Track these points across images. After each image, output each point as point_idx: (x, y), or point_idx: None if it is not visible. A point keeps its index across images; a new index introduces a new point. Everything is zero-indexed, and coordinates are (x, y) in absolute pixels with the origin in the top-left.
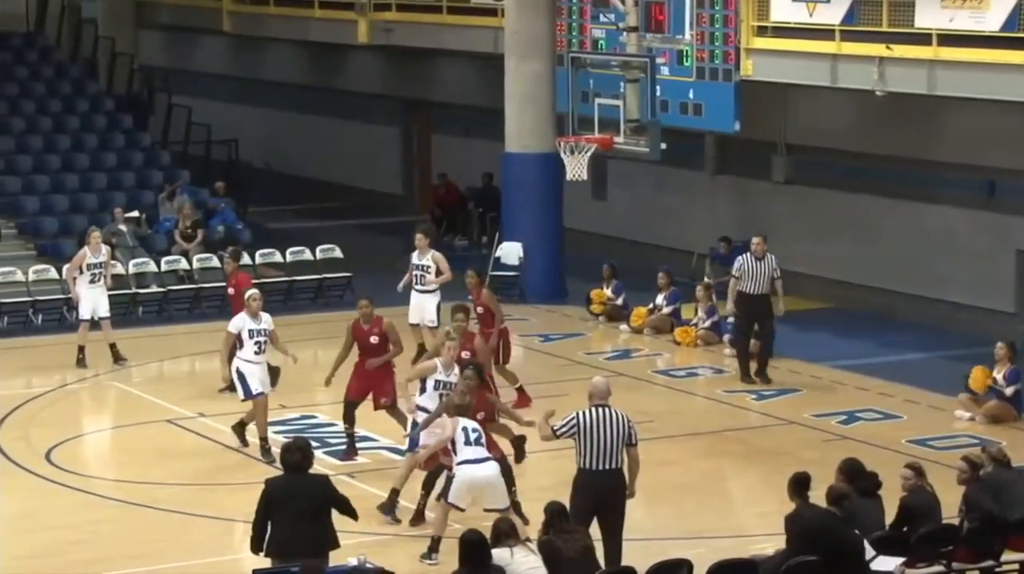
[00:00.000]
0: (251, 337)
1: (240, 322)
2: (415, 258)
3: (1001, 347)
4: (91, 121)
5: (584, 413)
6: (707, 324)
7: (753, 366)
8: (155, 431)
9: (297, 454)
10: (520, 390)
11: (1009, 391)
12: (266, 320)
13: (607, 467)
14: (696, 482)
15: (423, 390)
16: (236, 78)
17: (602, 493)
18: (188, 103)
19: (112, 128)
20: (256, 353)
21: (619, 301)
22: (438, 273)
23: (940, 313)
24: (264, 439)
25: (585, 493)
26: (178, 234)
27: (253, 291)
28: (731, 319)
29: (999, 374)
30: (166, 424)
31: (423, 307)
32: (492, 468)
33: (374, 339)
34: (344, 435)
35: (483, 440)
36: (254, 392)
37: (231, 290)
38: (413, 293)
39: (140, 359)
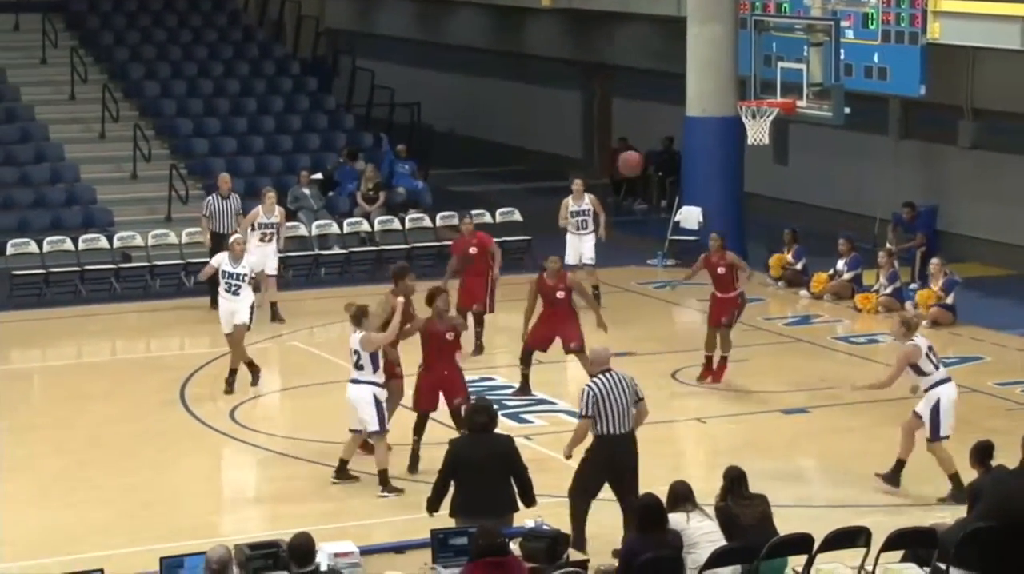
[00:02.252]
0: (223, 277)
1: (219, 259)
2: (572, 205)
3: None
4: (277, 84)
5: (595, 384)
6: (888, 290)
7: None
8: (336, 391)
9: (483, 415)
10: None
11: None
12: (244, 266)
13: (623, 431)
14: (877, 450)
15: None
16: (419, 42)
17: (620, 457)
18: (372, 67)
19: (297, 91)
20: (226, 290)
21: (799, 266)
22: (595, 216)
23: None
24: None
25: (602, 460)
26: (360, 196)
27: (237, 235)
28: None
29: None
30: (348, 384)
31: (581, 249)
32: (350, 389)
33: (560, 294)
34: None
35: (362, 362)
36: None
37: (472, 250)
38: (571, 236)
39: (323, 320)
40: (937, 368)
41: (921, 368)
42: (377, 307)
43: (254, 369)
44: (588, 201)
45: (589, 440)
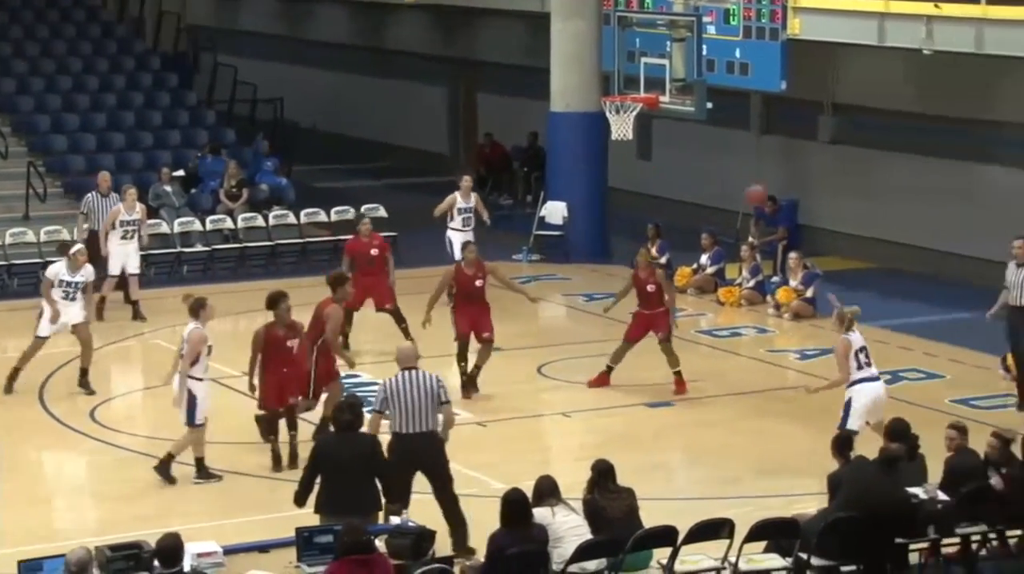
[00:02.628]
0: (59, 286)
1: (55, 271)
2: (460, 202)
3: None
4: (137, 80)
5: (391, 380)
6: (751, 284)
7: None
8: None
9: (348, 414)
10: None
11: None
12: (83, 275)
13: (418, 430)
14: (740, 443)
15: None
16: (282, 37)
17: (416, 455)
18: (234, 63)
19: (158, 87)
20: (63, 297)
21: (663, 260)
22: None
23: (987, 273)
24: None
25: (399, 456)
26: (223, 193)
27: (79, 246)
28: None
29: None
30: (211, 383)
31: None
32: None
33: (478, 283)
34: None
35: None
36: (38, 333)
37: (375, 251)
38: (456, 232)
39: (185, 318)
40: (861, 368)
41: (846, 365)
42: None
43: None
44: (474, 199)
45: None
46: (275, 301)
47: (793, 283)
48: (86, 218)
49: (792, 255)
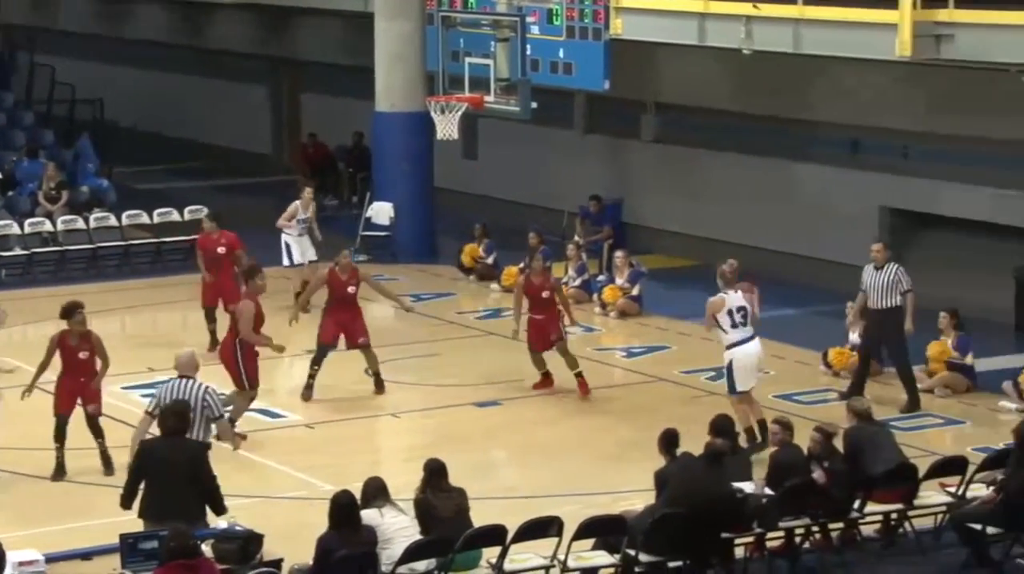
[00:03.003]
0: None
1: None
2: (300, 213)
3: (944, 317)
4: None
5: (165, 385)
6: (577, 282)
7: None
8: (18, 394)
9: (173, 419)
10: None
11: (968, 359)
12: None
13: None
14: (568, 440)
15: None
16: (101, 37)
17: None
18: (52, 62)
19: None
20: None
21: (490, 260)
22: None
23: (807, 270)
24: None
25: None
26: (42, 196)
27: None
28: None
29: (854, 334)
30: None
31: (304, 248)
32: None
33: (351, 289)
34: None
35: None
36: None
37: (221, 249)
38: (294, 238)
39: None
40: (735, 327)
41: (719, 323)
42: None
43: None
44: (312, 211)
45: None
46: (69, 311)
47: (619, 281)
48: None
49: (618, 254)
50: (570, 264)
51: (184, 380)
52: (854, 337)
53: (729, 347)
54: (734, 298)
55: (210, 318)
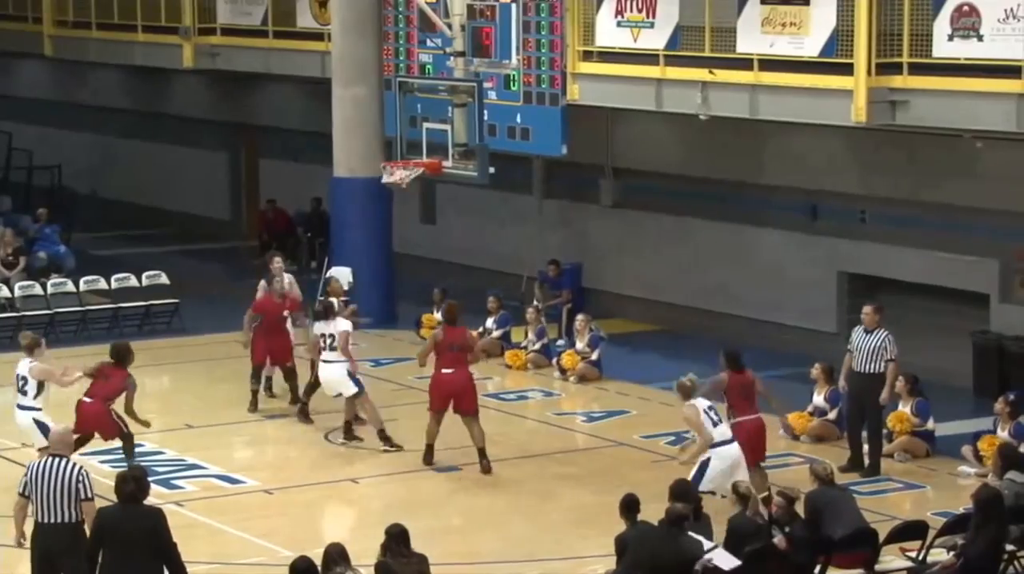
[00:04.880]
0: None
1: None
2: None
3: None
4: None
5: (36, 463)
6: (537, 346)
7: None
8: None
9: (131, 484)
10: None
11: (929, 425)
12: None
13: (55, 521)
14: (528, 505)
15: None
16: (58, 103)
17: (50, 547)
18: (9, 128)
19: None
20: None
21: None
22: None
23: (767, 334)
24: None
25: (35, 546)
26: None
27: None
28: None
29: (819, 395)
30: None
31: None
32: (17, 414)
33: (285, 313)
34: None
35: (27, 388)
36: None
37: (286, 312)
38: None
39: None
40: (715, 426)
41: (705, 427)
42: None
43: None
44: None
45: None
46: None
47: (580, 345)
48: None
49: (579, 318)
50: (530, 328)
51: (56, 458)
52: (818, 399)
53: (712, 447)
54: (701, 402)
55: (258, 377)
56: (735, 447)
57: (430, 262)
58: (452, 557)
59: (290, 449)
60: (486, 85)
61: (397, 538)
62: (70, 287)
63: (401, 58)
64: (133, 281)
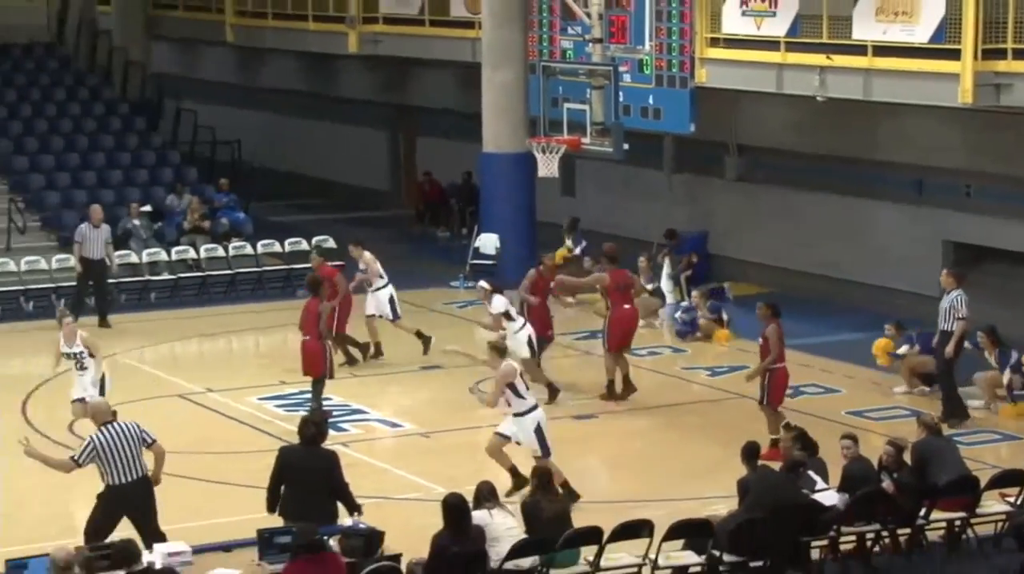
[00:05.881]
0: (67, 358)
1: (60, 345)
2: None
3: (982, 335)
4: (107, 124)
5: (97, 436)
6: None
7: None
8: (168, 405)
9: (312, 428)
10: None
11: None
12: (78, 344)
13: (133, 478)
14: (657, 451)
15: None
16: (238, 85)
17: (133, 502)
18: (195, 108)
19: (126, 130)
20: (76, 367)
21: (577, 251)
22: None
23: (875, 298)
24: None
25: (115, 507)
26: (187, 226)
27: (67, 318)
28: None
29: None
30: (177, 398)
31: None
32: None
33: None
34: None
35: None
36: (72, 396)
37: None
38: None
39: (152, 340)
40: (528, 390)
41: (517, 389)
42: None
43: None
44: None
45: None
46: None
47: (700, 314)
48: (80, 246)
49: (695, 293)
50: (642, 275)
51: (112, 425)
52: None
53: (529, 412)
54: (516, 365)
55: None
56: (539, 412)
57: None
58: (590, 496)
59: (444, 398)
60: (621, 69)
61: (545, 479)
62: (248, 250)
63: (544, 44)
64: (304, 245)
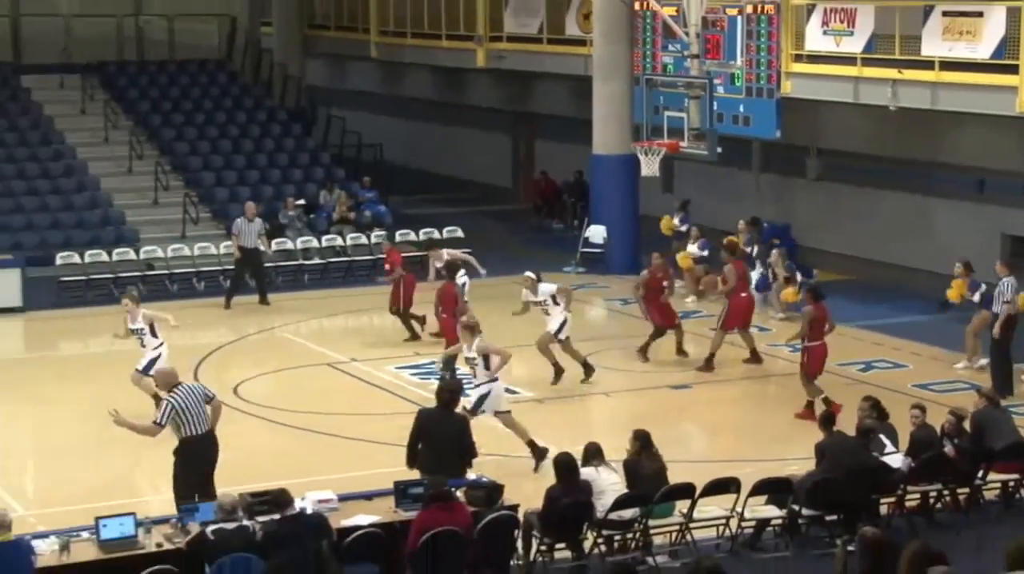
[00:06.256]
0: (132, 334)
1: (127, 322)
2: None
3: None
4: (268, 129)
5: (171, 398)
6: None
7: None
8: (318, 372)
9: (447, 394)
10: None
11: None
12: (139, 322)
13: (206, 429)
14: (744, 418)
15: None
16: (381, 95)
17: (207, 451)
18: (343, 115)
19: (284, 135)
20: (141, 346)
21: (683, 228)
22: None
23: (940, 285)
24: None
25: (195, 458)
26: (335, 218)
27: (126, 301)
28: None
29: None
30: (327, 367)
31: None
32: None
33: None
34: None
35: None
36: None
37: (387, 266)
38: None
39: (306, 316)
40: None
41: (490, 362)
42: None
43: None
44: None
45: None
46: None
47: (777, 271)
48: (237, 238)
49: (775, 251)
50: (741, 236)
51: (183, 386)
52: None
53: (491, 382)
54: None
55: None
56: (494, 385)
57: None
58: (685, 456)
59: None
60: (715, 81)
61: (646, 440)
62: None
63: (648, 60)
64: (436, 234)
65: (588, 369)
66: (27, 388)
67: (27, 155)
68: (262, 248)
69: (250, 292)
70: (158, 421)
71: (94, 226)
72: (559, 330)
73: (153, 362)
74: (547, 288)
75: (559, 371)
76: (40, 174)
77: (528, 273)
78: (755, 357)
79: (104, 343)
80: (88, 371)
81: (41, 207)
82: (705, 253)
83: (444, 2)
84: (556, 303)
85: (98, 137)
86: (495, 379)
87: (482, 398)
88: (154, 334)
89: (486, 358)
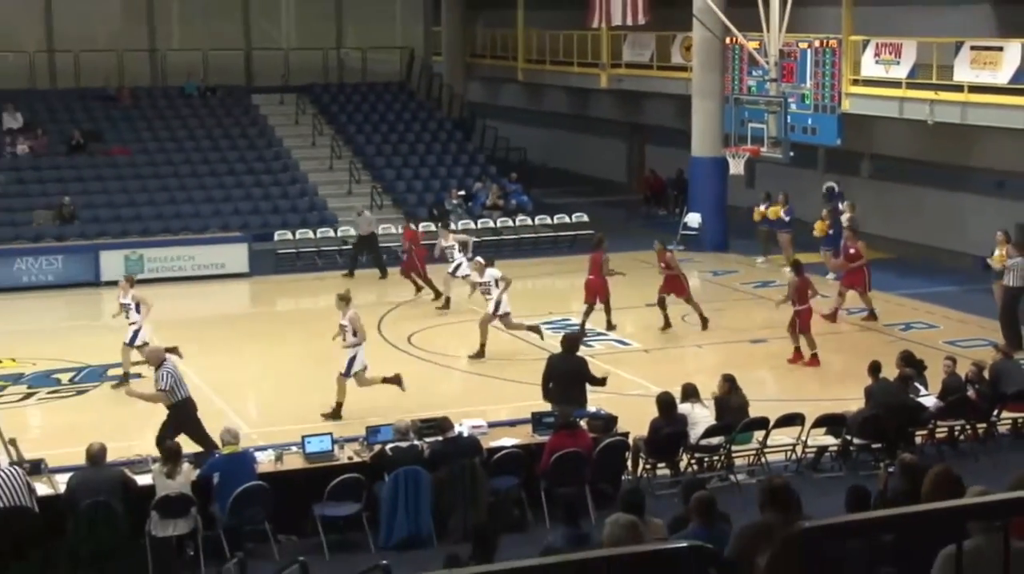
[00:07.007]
0: (121, 308)
1: (119, 296)
2: (442, 242)
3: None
4: (437, 136)
5: (167, 366)
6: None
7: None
8: (468, 327)
9: (567, 342)
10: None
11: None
12: (128, 297)
13: (188, 394)
14: (809, 368)
15: None
16: (525, 109)
17: (194, 411)
18: (496, 125)
19: (450, 141)
20: (125, 317)
21: (787, 219)
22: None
23: (966, 263)
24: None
25: (187, 414)
26: (488, 205)
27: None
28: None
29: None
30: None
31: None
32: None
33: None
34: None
35: None
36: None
37: (405, 243)
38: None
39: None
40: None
41: (356, 333)
42: None
43: None
44: (452, 239)
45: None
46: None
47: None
48: (356, 227)
49: (845, 203)
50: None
51: (168, 361)
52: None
53: (357, 345)
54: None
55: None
56: (361, 348)
57: (751, 211)
58: (761, 395)
59: (656, 326)
60: (789, 100)
61: (731, 381)
62: (529, 222)
63: (736, 82)
64: (567, 219)
65: (536, 330)
66: (252, 335)
67: (255, 156)
68: (374, 234)
69: (366, 266)
70: (163, 388)
71: (303, 211)
72: (496, 309)
73: (136, 333)
74: (493, 273)
75: (482, 349)
76: (264, 170)
77: (479, 258)
78: (870, 316)
79: (312, 302)
80: (298, 323)
81: (264, 196)
82: (788, 218)
83: (576, 36)
84: (497, 286)
85: (307, 142)
86: (359, 344)
87: (352, 360)
88: (138, 311)
89: (355, 330)
